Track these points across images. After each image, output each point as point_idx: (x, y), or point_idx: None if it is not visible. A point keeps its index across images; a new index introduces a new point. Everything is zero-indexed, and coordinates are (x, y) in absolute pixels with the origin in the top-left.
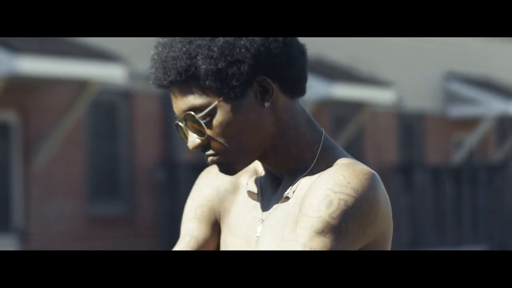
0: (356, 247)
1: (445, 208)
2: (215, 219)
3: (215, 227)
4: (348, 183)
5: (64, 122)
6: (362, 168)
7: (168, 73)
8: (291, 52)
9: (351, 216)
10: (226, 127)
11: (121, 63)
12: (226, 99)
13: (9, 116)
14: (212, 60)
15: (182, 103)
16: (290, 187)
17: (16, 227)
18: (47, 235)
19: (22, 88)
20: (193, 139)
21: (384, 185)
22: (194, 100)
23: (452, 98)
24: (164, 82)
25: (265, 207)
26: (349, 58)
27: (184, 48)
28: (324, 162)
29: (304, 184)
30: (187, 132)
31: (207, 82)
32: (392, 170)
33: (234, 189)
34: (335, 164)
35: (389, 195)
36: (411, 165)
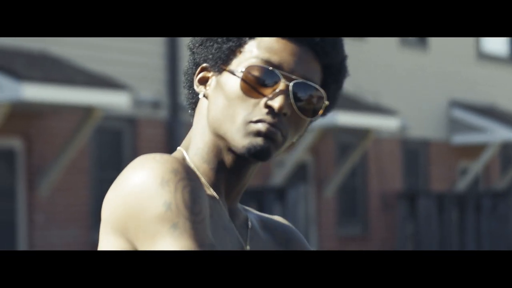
0: None
1: (449, 235)
2: None
3: None
4: None
5: (68, 149)
6: None
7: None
8: None
9: None
10: (303, 125)
11: (125, 90)
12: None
13: (14, 143)
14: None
15: (309, 75)
16: (248, 219)
17: None
18: None
19: (27, 115)
20: (284, 105)
21: (389, 212)
22: (317, 81)
23: (456, 125)
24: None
25: (238, 232)
26: (353, 86)
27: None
28: None
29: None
30: (281, 95)
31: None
32: (397, 197)
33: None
34: None
35: (393, 222)
36: (416, 192)
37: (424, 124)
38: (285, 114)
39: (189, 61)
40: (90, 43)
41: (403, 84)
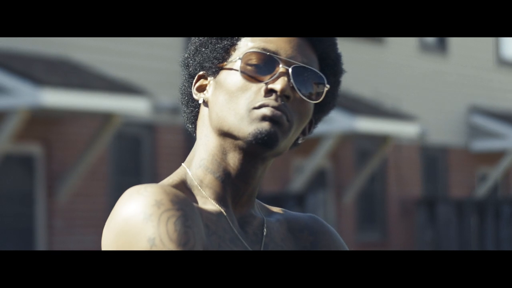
0: None
1: (468, 241)
2: None
3: None
4: None
5: (87, 155)
6: None
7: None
8: None
9: None
10: (307, 111)
11: (145, 96)
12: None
13: (33, 149)
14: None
15: (307, 61)
16: (264, 225)
17: None
18: None
19: (46, 121)
20: (286, 87)
21: (408, 218)
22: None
23: (475, 131)
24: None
25: (252, 240)
26: (372, 92)
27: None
28: None
29: (265, 221)
30: (281, 77)
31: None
32: (416, 204)
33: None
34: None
35: (412, 228)
36: (435, 198)
37: (444, 130)
38: (287, 97)
39: (184, 77)
40: (110, 49)
41: (422, 90)
